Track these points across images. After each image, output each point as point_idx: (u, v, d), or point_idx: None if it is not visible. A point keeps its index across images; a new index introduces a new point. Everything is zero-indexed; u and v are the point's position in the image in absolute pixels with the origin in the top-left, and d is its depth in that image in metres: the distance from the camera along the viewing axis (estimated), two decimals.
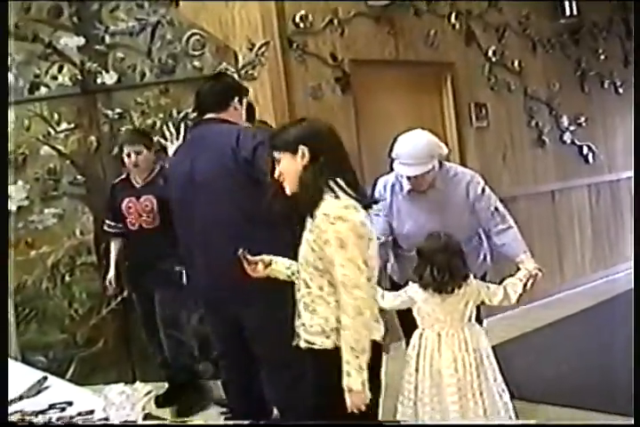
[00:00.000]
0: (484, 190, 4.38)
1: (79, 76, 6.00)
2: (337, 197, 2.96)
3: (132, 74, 5.94)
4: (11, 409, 2.80)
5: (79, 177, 5.98)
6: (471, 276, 4.03)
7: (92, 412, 2.61)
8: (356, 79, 6.43)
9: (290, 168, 3.01)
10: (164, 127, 5.37)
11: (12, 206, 5.95)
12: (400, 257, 4.54)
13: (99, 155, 6.01)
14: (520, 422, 4.15)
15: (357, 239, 2.88)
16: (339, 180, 2.99)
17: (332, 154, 3.01)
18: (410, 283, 4.06)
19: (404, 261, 4.45)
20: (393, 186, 4.48)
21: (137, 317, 5.65)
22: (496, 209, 4.34)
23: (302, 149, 2.98)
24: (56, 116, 5.99)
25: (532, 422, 4.21)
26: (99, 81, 5.95)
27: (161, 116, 5.85)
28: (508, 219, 4.36)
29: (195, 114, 4.29)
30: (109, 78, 5.94)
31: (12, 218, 5.96)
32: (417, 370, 3.99)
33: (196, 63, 5.87)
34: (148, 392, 2.05)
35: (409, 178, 4.29)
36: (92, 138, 5.96)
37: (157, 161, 5.46)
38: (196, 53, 5.88)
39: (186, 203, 4.04)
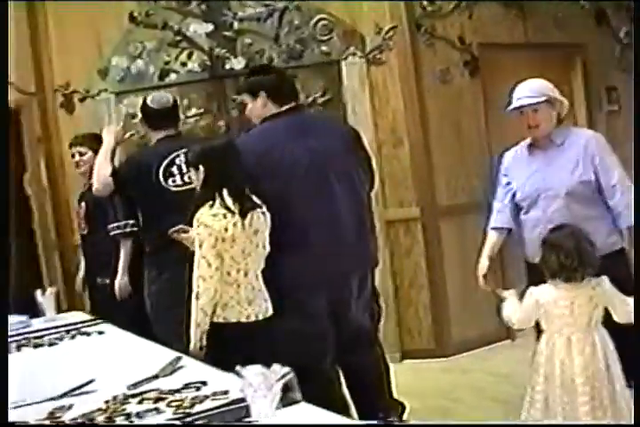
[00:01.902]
0: (604, 150, 4.18)
1: (208, 62, 6.09)
2: (212, 205, 3.61)
3: (259, 59, 5.99)
4: (147, 387, 2.87)
5: None
6: (606, 278, 3.83)
7: (226, 392, 2.64)
8: (485, 63, 6.34)
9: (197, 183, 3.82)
10: None
11: None
12: (524, 223, 4.32)
13: None
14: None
15: (215, 242, 3.55)
16: (224, 192, 3.61)
17: (219, 171, 3.67)
18: (530, 288, 3.92)
19: (527, 229, 4.28)
20: (516, 153, 4.38)
21: None
22: (614, 171, 4.12)
23: (200, 167, 3.71)
24: (185, 101, 6.09)
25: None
26: (227, 66, 6.02)
27: None
28: (628, 183, 4.13)
29: (285, 103, 4.14)
30: (237, 64, 6.00)
31: None
32: (546, 378, 3.78)
33: (324, 48, 5.88)
34: (285, 374, 2.05)
35: (521, 112, 4.16)
36: (221, 123, 6.05)
37: None
38: (324, 38, 5.89)
39: (303, 189, 3.98)
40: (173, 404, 2.61)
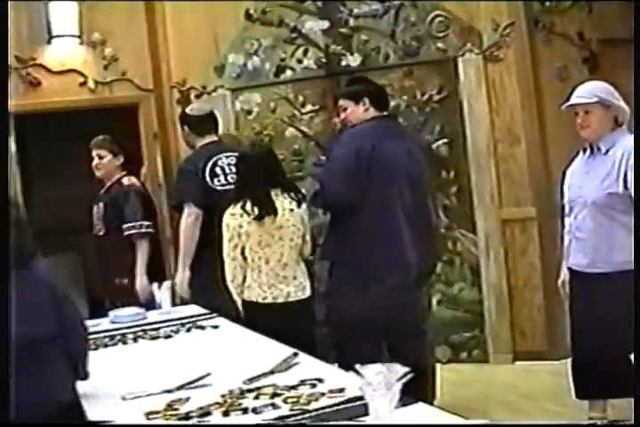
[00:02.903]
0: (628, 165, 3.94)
1: (323, 59, 6.09)
2: (234, 206, 4.38)
3: (375, 56, 5.98)
4: (263, 382, 2.88)
5: (323, 158, 6.07)
6: None
7: (342, 390, 2.64)
8: (605, 59, 6.18)
9: None
10: None
11: None
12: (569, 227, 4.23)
13: None
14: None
15: (230, 236, 4.37)
16: (245, 195, 4.37)
17: (243, 178, 4.46)
18: None
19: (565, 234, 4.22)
20: (576, 159, 4.31)
21: None
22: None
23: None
24: (301, 98, 6.13)
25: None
26: (343, 63, 6.02)
27: (405, 98, 5.85)
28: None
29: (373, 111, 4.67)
30: (353, 61, 6.00)
31: None
32: None
33: (440, 45, 5.83)
34: (405, 374, 2.03)
35: (576, 113, 4.10)
36: (336, 120, 6.03)
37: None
38: (440, 35, 5.83)
39: (394, 185, 4.46)
40: (290, 400, 2.62)
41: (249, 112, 6.20)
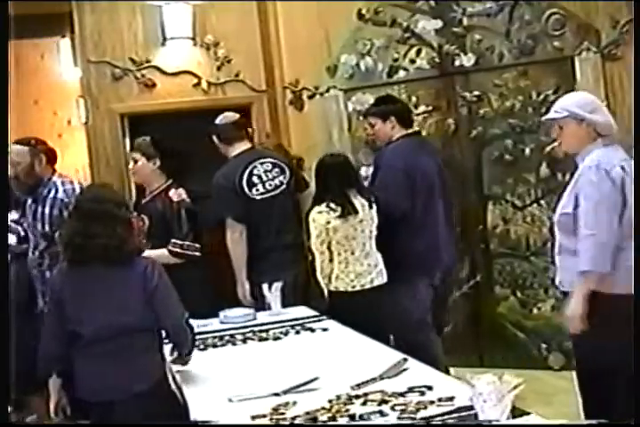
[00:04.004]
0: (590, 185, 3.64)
1: (437, 59, 6.01)
2: (319, 205, 4.75)
3: (490, 56, 5.86)
4: (371, 388, 2.84)
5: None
6: None
7: (452, 398, 2.57)
8: None
9: None
10: None
11: None
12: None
13: (456, 137, 6.00)
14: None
15: (319, 232, 4.72)
16: (327, 196, 4.76)
17: (324, 182, 4.82)
18: None
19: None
20: None
21: (490, 301, 5.61)
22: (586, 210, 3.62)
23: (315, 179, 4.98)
24: (414, 98, 6.05)
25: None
26: (456, 63, 5.93)
27: (520, 98, 5.73)
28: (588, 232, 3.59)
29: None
30: (467, 60, 5.90)
31: None
32: None
33: (556, 43, 5.67)
34: (517, 385, 1.97)
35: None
36: (450, 120, 5.96)
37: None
38: (556, 33, 5.68)
39: (433, 194, 5.07)
40: (398, 407, 2.58)
41: (361, 113, 6.17)
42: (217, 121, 5.42)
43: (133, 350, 3.25)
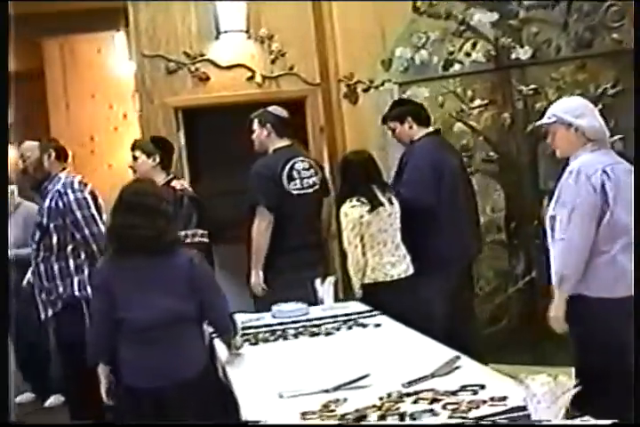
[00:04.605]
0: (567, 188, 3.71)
1: (493, 52, 5.94)
2: (350, 200, 4.89)
3: (546, 49, 5.77)
4: (422, 386, 2.80)
5: (492, 154, 5.94)
6: None
7: (504, 398, 2.53)
8: None
9: None
10: None
11: None
12: None
13: (512, 132, 5.91)
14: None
15: (353, 226, 4.85)
16: (355, 192, 4.92)
17: (351, 178, 5.02)
18: None
19: None
20: None
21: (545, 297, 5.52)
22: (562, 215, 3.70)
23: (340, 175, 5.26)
24: (469, 92, 5.99)
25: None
26: (513, 56, 5.85)
27: (578, 92, 5.61)
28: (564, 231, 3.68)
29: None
30: (524, 54, 5.81)
31: None
32: None
33: (615, 35, 5.56)
34: (574, 386, 1.92)
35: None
36: (506, 114, 5.89)
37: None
38: (615, 25, 5.57)
39: (457, 189, 5.29)
40: (449, 407, 2.53)
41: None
42: (270, 109, 5.42)
43: (181, 338, 3.40)
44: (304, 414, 2.64)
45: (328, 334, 3.97)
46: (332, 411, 2.65)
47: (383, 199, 4.98)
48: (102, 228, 4.61)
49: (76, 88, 11.08)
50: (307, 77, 6.58)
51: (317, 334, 3.97)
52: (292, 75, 6.57)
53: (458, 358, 3.10)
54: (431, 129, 5.45)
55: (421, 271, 5.09)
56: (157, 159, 5.16)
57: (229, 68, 6.53)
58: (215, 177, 7.60)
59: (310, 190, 5.34)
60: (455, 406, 2.53)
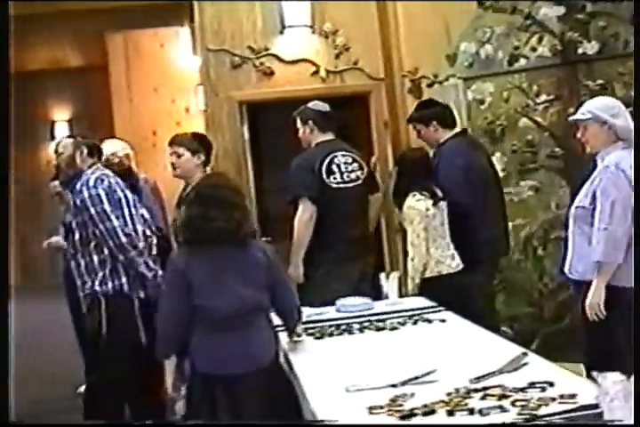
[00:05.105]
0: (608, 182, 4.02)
1: (559, 47, 5.88)
2: (414, 195, 4.99)
3: (614, 43, 5.69)
4: (490, 382, 2.80)
5: (557, 149, 5.87)
6: None
7: (574, 396, 2.51)
8: None
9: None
10: None
11: None
12: None
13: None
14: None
15: (420, 219, 4.92)
16: (416, 187, 5.02)
17: (410, 174, 5.13)
18: None
19: None
20: None
21: None
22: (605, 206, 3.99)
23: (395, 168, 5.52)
24: (535, 87, 5.93)
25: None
26: (579, 51, 5.79)
27: None
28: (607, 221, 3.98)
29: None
30: (590, 48, 5.75)
31: None
32: None
33: None
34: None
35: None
36: (572, 110, 5.79)
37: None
38: None
39: (487, 190, 5.37)
40: (518, 403, 2.53)
41: (481, 102, 6.07)
42: (310, 106, 5.39)
43: (255, 326, 3.50)
44: (371, 408, 2.65)
45: (393, 328, 3.97)
46: (400, 406, 2.65)
47: (440, 194, 5.07)
48: (115, 223, 4.53)
49: (139, 82, 11.23)
50: (371, 72, 6.58)
51: (383, 329, 3.98)
52: (356, 69, 6.57)
53: (525, 354, 3.09)
54: (458, 130, 5.50)
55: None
56: (202, 158, 4.98)
57: (294, 62, 6.55)
58: (278, 172, 7.63)
59: (351, 185, 5.28)
60: (524, 402, 2.53)
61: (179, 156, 4.96)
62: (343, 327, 4.05)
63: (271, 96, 6.49)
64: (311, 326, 4.04)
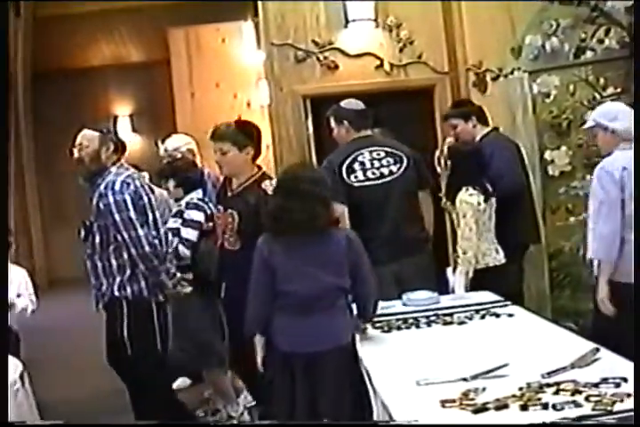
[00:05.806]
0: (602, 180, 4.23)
1: (626, 39, 5.81)
2: (467, 190, 4.97)
3: None
4: (562, 377, 2.78)
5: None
6: None
7: None
8: None
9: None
10: None
11: (555, 171, 6.11)
12: None
13: None
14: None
15: (472, 213, 4.93)
16: (469, 181, 5.01)
17: (463, 168, 5.11)
18: None
19: None
20: None
21: None
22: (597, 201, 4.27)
23: (449, 162, 5.25)
24: (602, 80, 5.88)
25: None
26: None
27: None
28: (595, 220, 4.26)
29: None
30: None
31: (553, 183, 6.11)
32: None
33: None
34: None
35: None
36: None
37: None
38: None
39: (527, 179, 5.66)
40: (592, 399, 2.51)
41: (547, 95, 6.04)
42: (343, 104, 5.23)
43: (334, 308, 3.64)
44: (444, 402, 2.65)
45: (461, 323, 3.96)
46: (472, 400, 2.66)
47: (491, 189, 5.11)
48: (140, 232, 4.42)
49: (200, 77, 11.30)
50: (435, 66, 6.56)
51: (450, 323, 3.96)
52: (420, 63, 6.56)
53: (597, 349, 3.07)
54: (492, 127, 5.69)
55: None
56: (251, 152, 4.58)
57: (358, 56, 6.56)
58: None
59: (380, 181, 5.02)
60: (598, 398, 2.51)
61: (224, 153, 4.58)
62: (410, 321, 4.04)
63: (335, 90, 6.49)
64: (378, 319, 4.03)
